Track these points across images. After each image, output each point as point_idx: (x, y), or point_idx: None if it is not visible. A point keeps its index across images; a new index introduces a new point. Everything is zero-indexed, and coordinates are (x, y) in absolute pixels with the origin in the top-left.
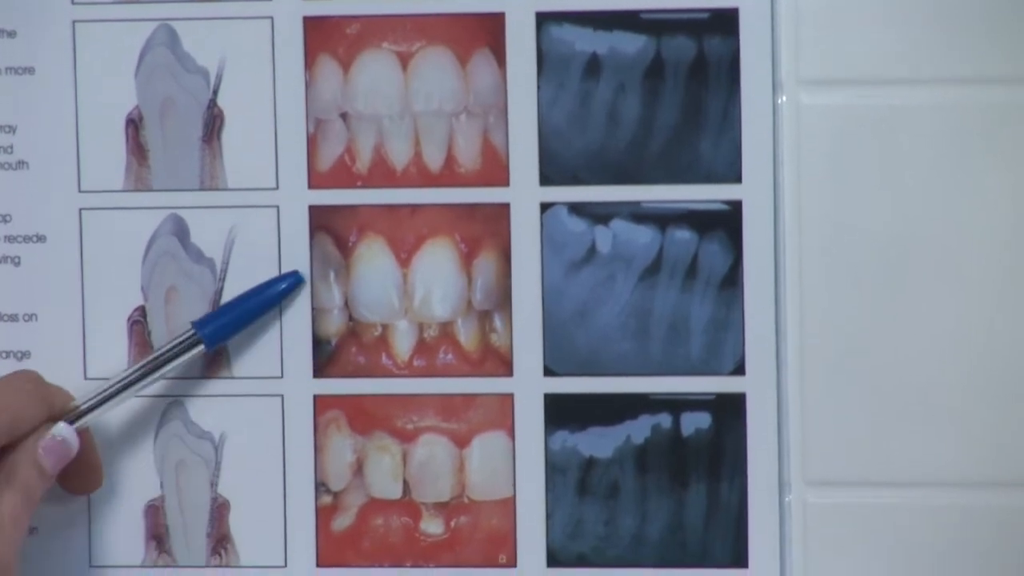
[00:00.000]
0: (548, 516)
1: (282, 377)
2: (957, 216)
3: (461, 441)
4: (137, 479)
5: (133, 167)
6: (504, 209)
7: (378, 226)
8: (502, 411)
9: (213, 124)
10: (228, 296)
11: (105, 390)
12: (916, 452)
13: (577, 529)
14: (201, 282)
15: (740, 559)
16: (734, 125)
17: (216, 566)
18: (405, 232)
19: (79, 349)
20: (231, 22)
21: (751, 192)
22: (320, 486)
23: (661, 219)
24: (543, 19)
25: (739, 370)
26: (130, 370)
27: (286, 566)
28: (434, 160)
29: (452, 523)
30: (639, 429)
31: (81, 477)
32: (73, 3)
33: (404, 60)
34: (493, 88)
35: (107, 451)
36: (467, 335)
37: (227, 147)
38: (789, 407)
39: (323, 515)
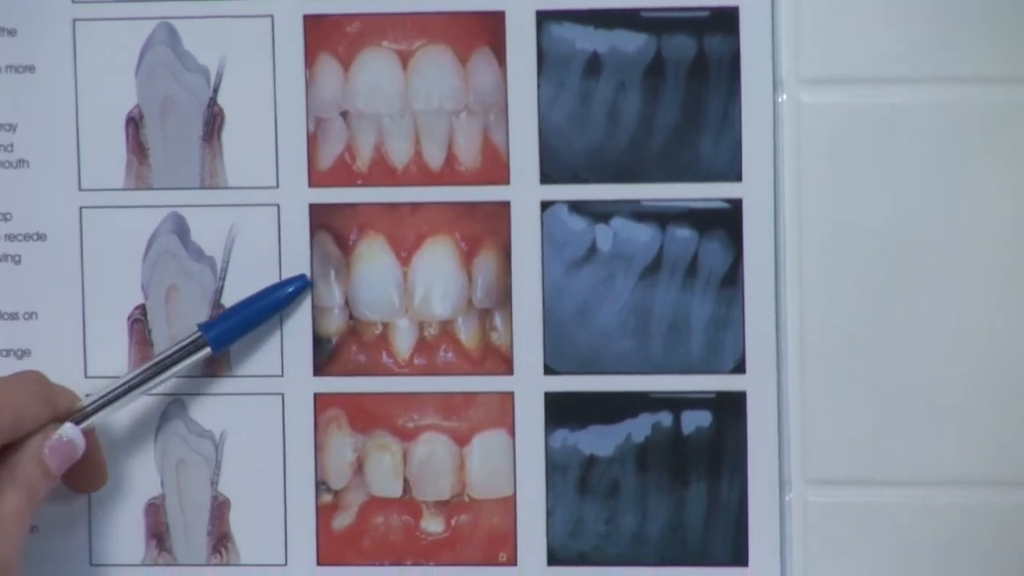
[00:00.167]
0: (548, 514)
1: (282, 376)
2: (957, 215)
3: (461, 439)
4: (138, 478)
5: (133, 165)
6: (504, 207)
7: (378, 224)
8: (502, 409)
9: (213, 122)
10: (229, 294)
11: (112, 391)
12: (916, 451)
13: (577, 527)
14: (201, 280)
15: (740, 558)
16: (734, 124)
17: (217, 565)
18: (405, 230)
19: (79, 348)
20: (231, 20)
21: (751, 191)
22: (320, 484)
23: (661, 217)
24: (543, 17)
25: (739, 368)
26: (136, 371)
27: (286, 564)
28: (434, 158)
29: (452, 521)
30: (639, 427)
31: (86, 476)
32: (73, 2)
33: (404, 58)
34: (493, 86)
35: (108, 450)
36: (467, 333)
37: (227, 145)
38: (789, 405)
39: (323, 513)
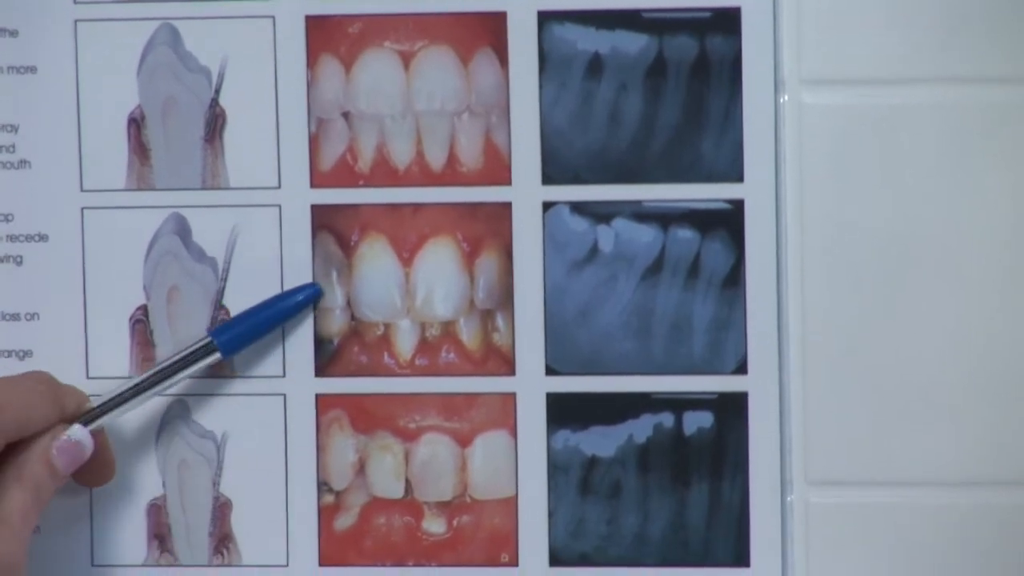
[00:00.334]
0: (550, 515)
1: (284, 376)
2: (957, 216)
3: (463, 440)
4: (139, 478)
5: (135, 166)
6: (506, 208)
7: (380, 225)
8: (504, 410)
9: (215, 123)
10: (230, 295)
11: (121, 393)
12: (917, 451)
13: (579, 528)
14: (203, 281)
15: (742, 558)
16: (736, 124)
17: (218, 565)
18: (407, 231)
19: (81, 348)
20: (233, 21)
21: (753, 191)
22: (322, 485)
23: (663, 218)
24: (545, 18)
25: (741, 369)
26: (146, 374)
27: (288, 565)
28: (436, 159)
29: (454, 522)
30: (641, 428)
31: (93, 472)
32: (75, 2)
33: (406, 59)
34: (495, 87)
35: None
36: (469, 334)
37: (229, 146)
38: (791, 406)
39: (325, 514)
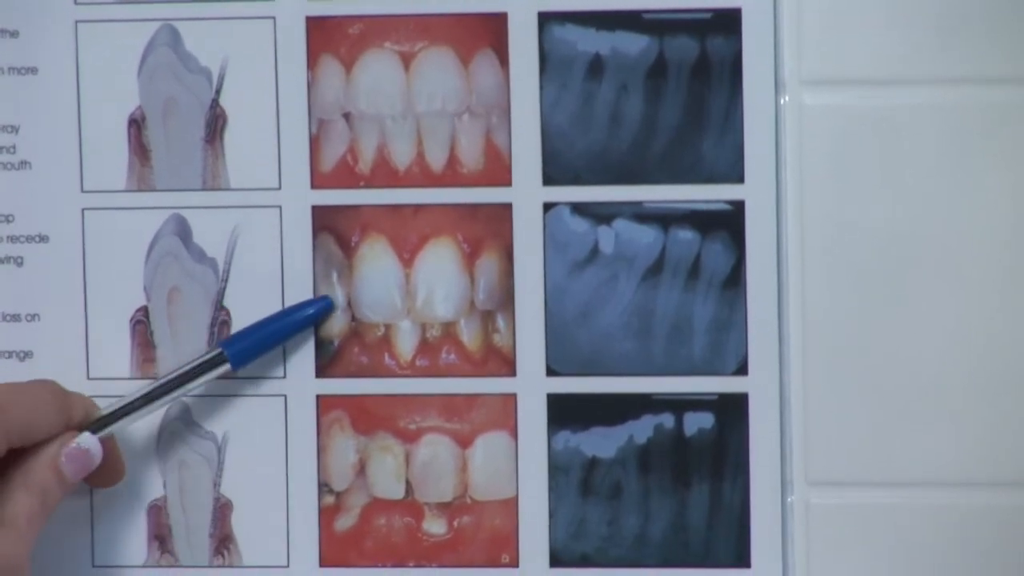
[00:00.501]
0: (551, 516)
1: (285, 377)
2: (958, 216)
3: (464, 441)
4: (140, 479)
5: (135, 167)
6: (507, 209)
7: (381, 226)
8: (505, 411)
9: (215, 124)
10: (231, 296)
11: (131, 402)
12: (918, 452)
13: (580, 529)
14: (204, 282)
15: (743, 559)
16: (736, 125)
17: (219, 566)
18: (408, 232)
19: (81, 349)
20: (233, 22)
21: (753, 192)
22: (323, 486)
23: (664, 219)
24: (545, 19)
25: (742, 370)
26: (156, 384)
27: (288, 566)
28: (437, 160)
29: (455, 523)
30: (642, 429)
31: (103, 475)
32: (76, 3)
33: (406, 60)
34: (496, 88)
35: None
36: (470, 335)
37: (229, 147)
38: (792, 407)
39: (326, 515)
